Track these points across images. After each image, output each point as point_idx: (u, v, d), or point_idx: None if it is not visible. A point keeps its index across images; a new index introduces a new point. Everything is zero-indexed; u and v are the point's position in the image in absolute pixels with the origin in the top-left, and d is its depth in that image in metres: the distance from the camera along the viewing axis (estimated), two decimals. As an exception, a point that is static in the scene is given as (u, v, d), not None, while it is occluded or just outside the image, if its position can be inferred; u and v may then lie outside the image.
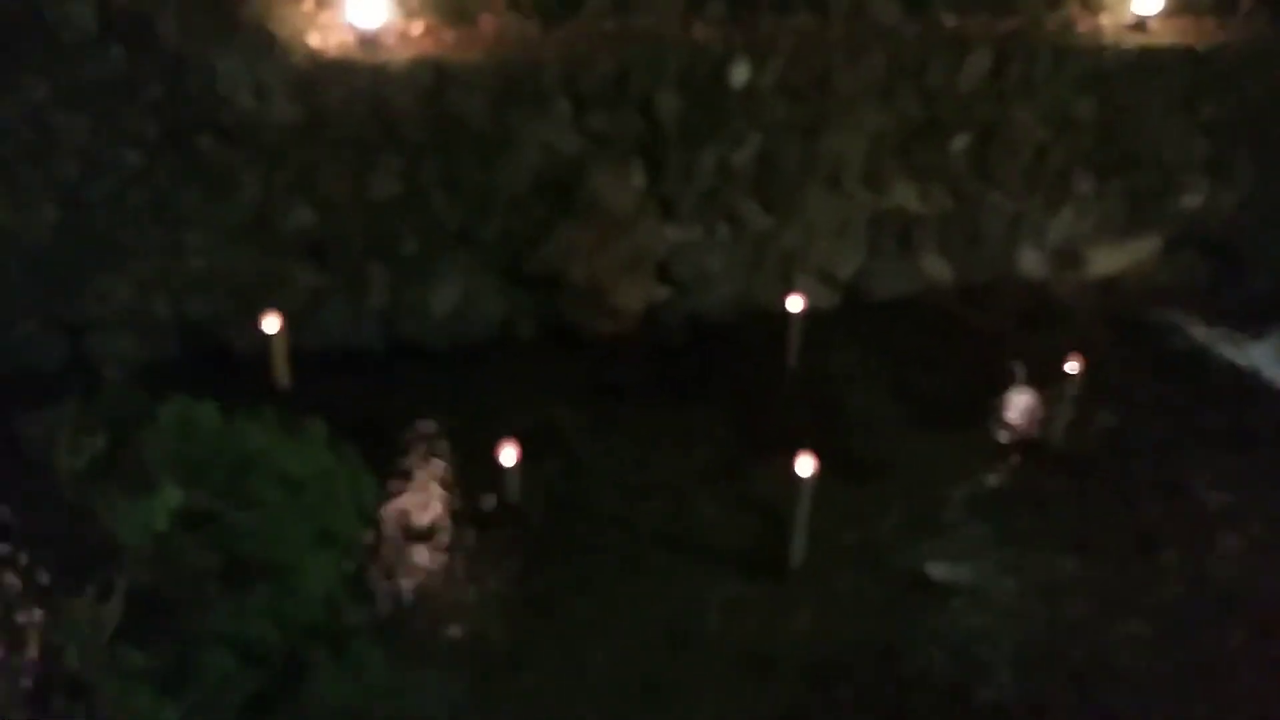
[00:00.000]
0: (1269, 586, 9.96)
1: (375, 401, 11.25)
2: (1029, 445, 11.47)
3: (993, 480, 11.01)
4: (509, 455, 9.97)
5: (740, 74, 11.98)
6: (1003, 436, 11.55)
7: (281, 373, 11.14)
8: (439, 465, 10.63)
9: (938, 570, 9.76)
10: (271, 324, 10.88)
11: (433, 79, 11.19)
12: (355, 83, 11.03)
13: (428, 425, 11.04)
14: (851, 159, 12.74)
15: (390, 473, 10.46)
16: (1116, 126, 13.37)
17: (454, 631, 9.13)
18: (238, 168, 11.06)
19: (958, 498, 10.72)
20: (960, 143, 13.08)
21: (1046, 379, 11.80)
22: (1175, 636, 9.49)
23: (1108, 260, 13.89)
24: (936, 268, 13.48)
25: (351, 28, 11.10)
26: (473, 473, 10.41)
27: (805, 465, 9.24)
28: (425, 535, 9.94)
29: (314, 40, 11.07)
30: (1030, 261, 13.78)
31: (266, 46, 10.81)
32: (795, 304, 11.77)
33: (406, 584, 9.47)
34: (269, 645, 6.88)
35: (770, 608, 9.52)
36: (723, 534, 10.15)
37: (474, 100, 11.32)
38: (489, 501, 10.23)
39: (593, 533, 10.12)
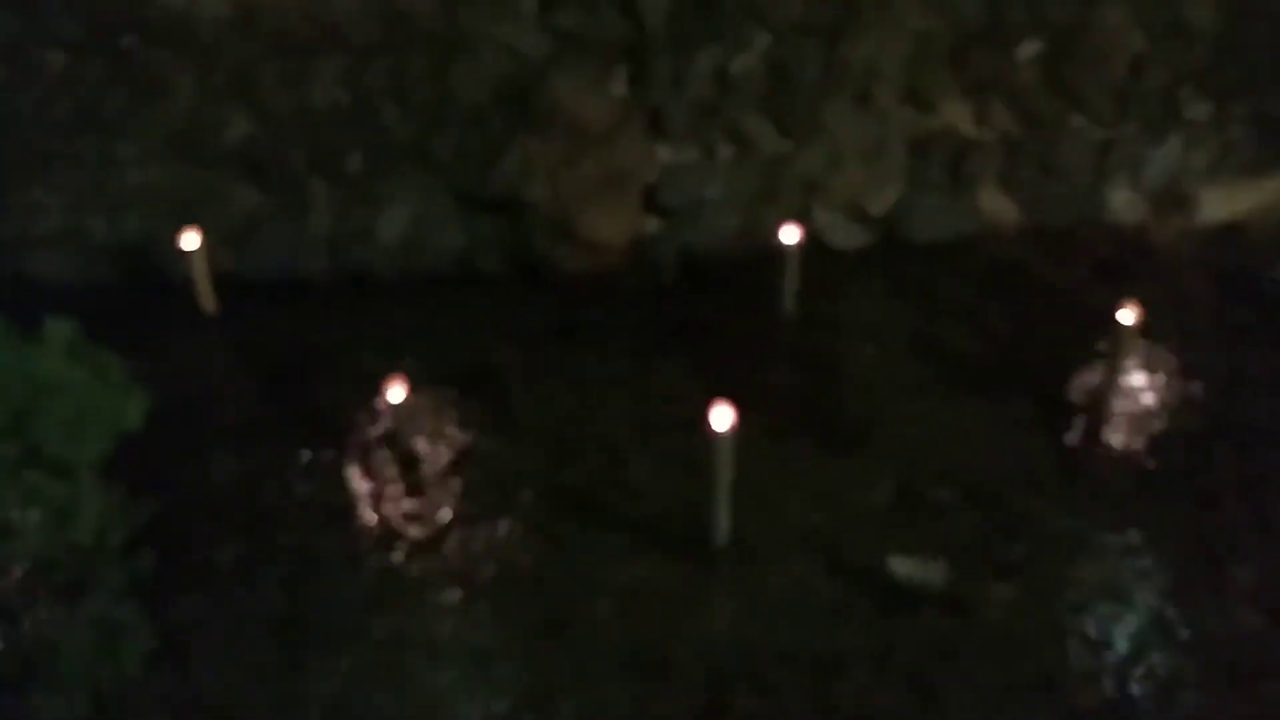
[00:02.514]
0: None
1: (307, 334, 9.68)
2: (1081, 426, 8.63)
3: (1015, 463, 8.28)
4: (397, 393, 8.13)
5: (743, -38, 9.65)
6: (1047, 412, 8.75)
7: (206, 297, 9.72)
8: (344, 403, 8.89)
9: (902, 567, 7.24)
10: (190, 241, 9.45)
11: (376, -31, 9.48)
12: (289, -27, 9.45)
13: (354, 362, 9.33)
14: (887, 68, 10.15)
15: (292, 409, 8.87)
16: (1241, 35, 10.16)
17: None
18: (167, 70, 9.71)
19: (960, 481, 8.10)
20: (1030, 50, 10.24)
21: (1126, 345, 8.89)
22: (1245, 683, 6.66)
23: (1225, 204, 10.62)
24: (997, 205, 10.65)
25: (286, -89, 9.54)
26: (369, 415, 8.65)
27: (722, 417, 6.94)
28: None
29: (246, -73, 9.56)
30: (1121, 202, 10.69)
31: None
32: (790, 236, 9.34)
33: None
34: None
35: (679, 597, 7.30)
36: (650, 504, 7.99)
37: (423, -6, 9.53)
38: (374, 447, 8.43)
39: (492, 492, 8.16)
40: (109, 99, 9.77)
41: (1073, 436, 8.50)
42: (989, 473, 8.17)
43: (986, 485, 8.04)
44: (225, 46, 9.67)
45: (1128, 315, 8.16)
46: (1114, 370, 8.60)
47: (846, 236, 10.45)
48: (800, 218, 9.84)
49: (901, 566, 7.21)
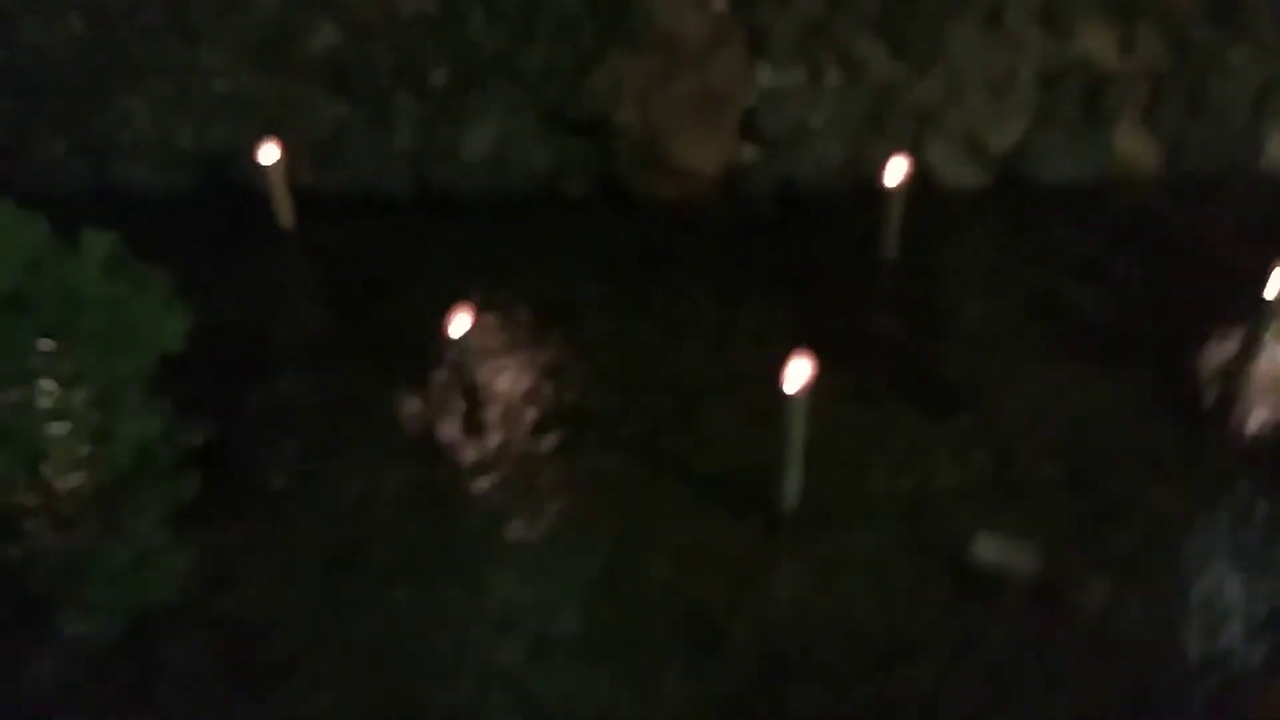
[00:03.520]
0: None
1: (384, 253, 9.25)
2: (1211, 403, 7.58)
3: (1132, 441, 7.32)
4: (463, 320, 7.63)
5: None
6: (1173, 386, 7.71)
7: (283, 211, 9.36)
8: (414, 327, 8.42)
9: (989, 548, 6.44)
10: (269, 154, 9.06)
11: None
12: None
13: (429, 284, 8.84)
14: (1021, -12, 8.97)
15: (362, 330, 8.49)
16: None
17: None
18: (252, -26, 9.23)
19: (1067, 456, 7.19)
20: (1189, -30, 8.90)
21: (1271, 314, 7.74)
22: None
23: None
24: (1137, 147, 9.42)
25: None
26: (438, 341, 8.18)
27: (798, 372, 6.21)
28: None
29: None
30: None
31: None
32: (896, 172, 8.39)
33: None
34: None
35: (740, 563, 6.68)
36: (719, 458, 7.33)
37: (515, -105, 8.76)
38: (440, 376, 7.98)
39: (556, 431, 7.63)
40: (197, 4, 9.37)
41: (1200, 415, 7.45)
42: (1101, 449, 7.23)
43: (1096, 463, 7.12)
44: (310, -51, 9.12)
45: (1277, 280, 7.02)
46: (1254, 342, 7.48)
47: (961, 174, 9.42)
48: (911, 152, 8.86)
49: (988, 547, 6.41)
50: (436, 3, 9.25)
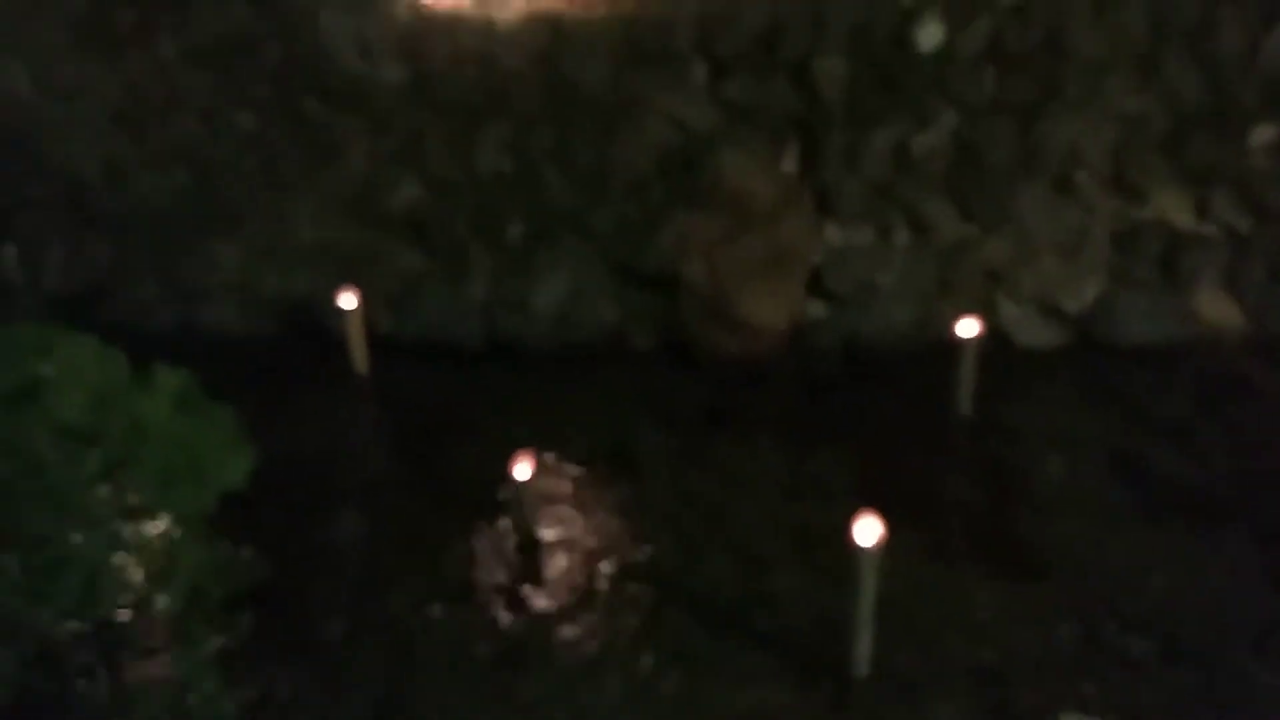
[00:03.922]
0: None
1: (452, 400, 9.29)
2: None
3: (1230, 613, 6.79)
4: (524, 469, 7.53)
5: (932, 35, 8.83)
6: (1272, 553, 7.20)
7: (358, 356, 9.51)
8: (476, 474, 8.32)
9: (1077, 728, 5.92)
10: (348, 301, 9.29)
11: (548, 38, 9.21)
12: (463, 41, 9.32)
13: (493, 432, 8.79)
14: (1090, 153, 9.00)
15: (423, 475, 8.44)
16: None
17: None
18: (343, 133, 9.72)
19: (1159, 629, 6.69)
20: (1264, 136, 8.86)
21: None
22: None
23: None
24: (1218, 309, 9.18)
25: (468, -19, 9.45)
26: (499, 489, 8.05)
27: (868, 530, 5.93)
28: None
29: (427, -5, 9.53)
30: (1373, 311, 9.03)
31: (372, 1, 9.40)
32: (968, 329, 8.25)
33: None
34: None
35: (807, 733, 6.23)
36: (787, 621, 6.96)
37: (592, 63, 9.17)
38: (499, 524, 7.82)
39: (614, 588, 7.36)
40: (289, 159, 9.86)
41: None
42: (1196, 622, 6.71)
43: (1191, 637, 6.59)
44: (398, 112, 9.59)
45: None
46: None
47: (1037, 334, 9.24)
48: (983, 311, 8.75)
49: (1076, 727, 5.90)
50: (513, 161, 9.59)
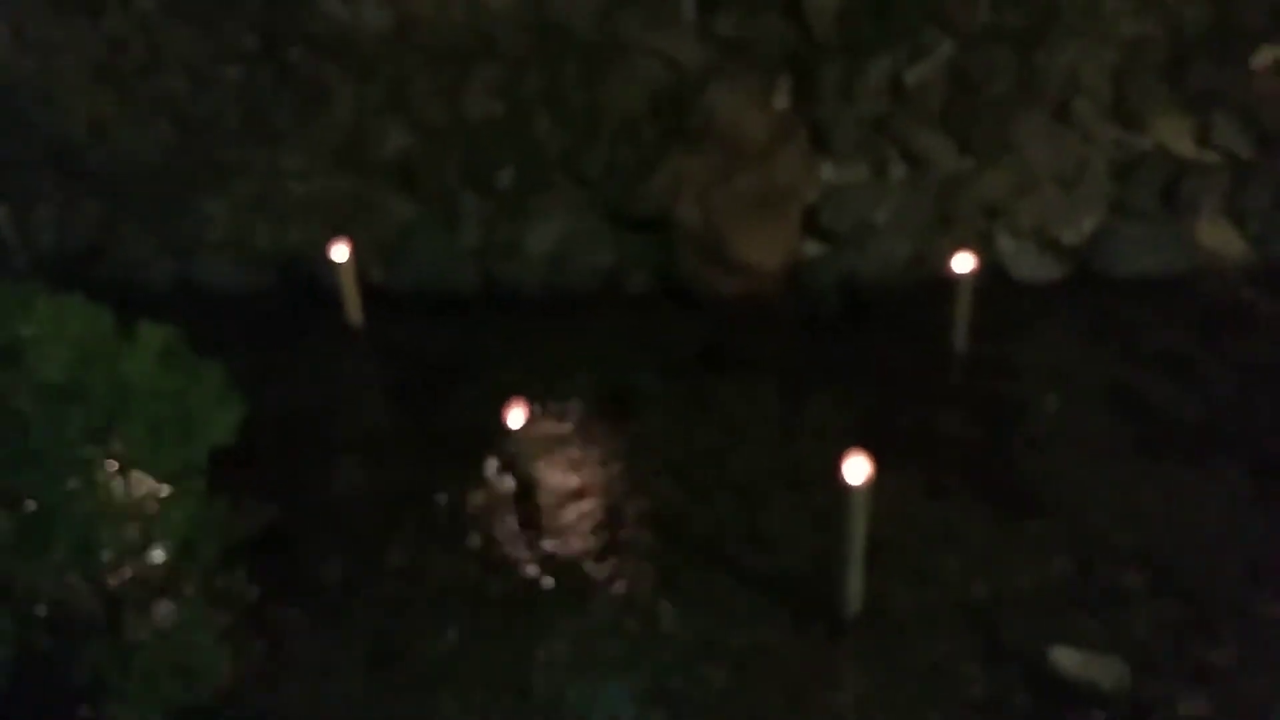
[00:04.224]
0: None
1: (448, 349, 9.27)
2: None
3: (1226, 546, 6.75)
4: (519, 416, 7.52)
5: (925, -38, 8.58)
6: (1269, 486, 7.13)
7: (353, 308, 9.48)
8: (474, 422, 8.32)
9: (1069, 660, 5.93)
10: (340, 253, 9.23)
11: (533, -23, 9.01)
12: (447, -17, 9.12)
13: (491, 379, 8.78)
14: (1091, 80, 8.79)
15: (421, 425, 8.44)
16: None
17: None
18: (330, 82, 9.58)
19: (1154, 562, 6.67)
20: (1268, 57, 8.62)
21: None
22: None
23: None
24: (1221, 238, 9.02)
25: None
26: (497, 436, 8.05)
27: (857, 468, 5.90)
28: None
29: (408, -63, 9.31)
30: (1380, 237, 8.86)
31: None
32: (963, 264, 8.14)
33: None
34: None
35: (801, 672, 6.27)
36: (781, 560, 6.97)
37: (580, 3, 8.98)
38: (497, 470, 7.84)
39: (611, 529, 7.38)
40: (275, 111, 9.74)
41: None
42: (1191, 555, 6.69)
43: (1187, 570, 6.58)
44: (384, 58, 9.43)
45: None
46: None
47: (1034, 268, 9.12)
48: (981, 246, 8.64)
49: (1069, 659, 5.91)
50: (503, 106, 9.45)
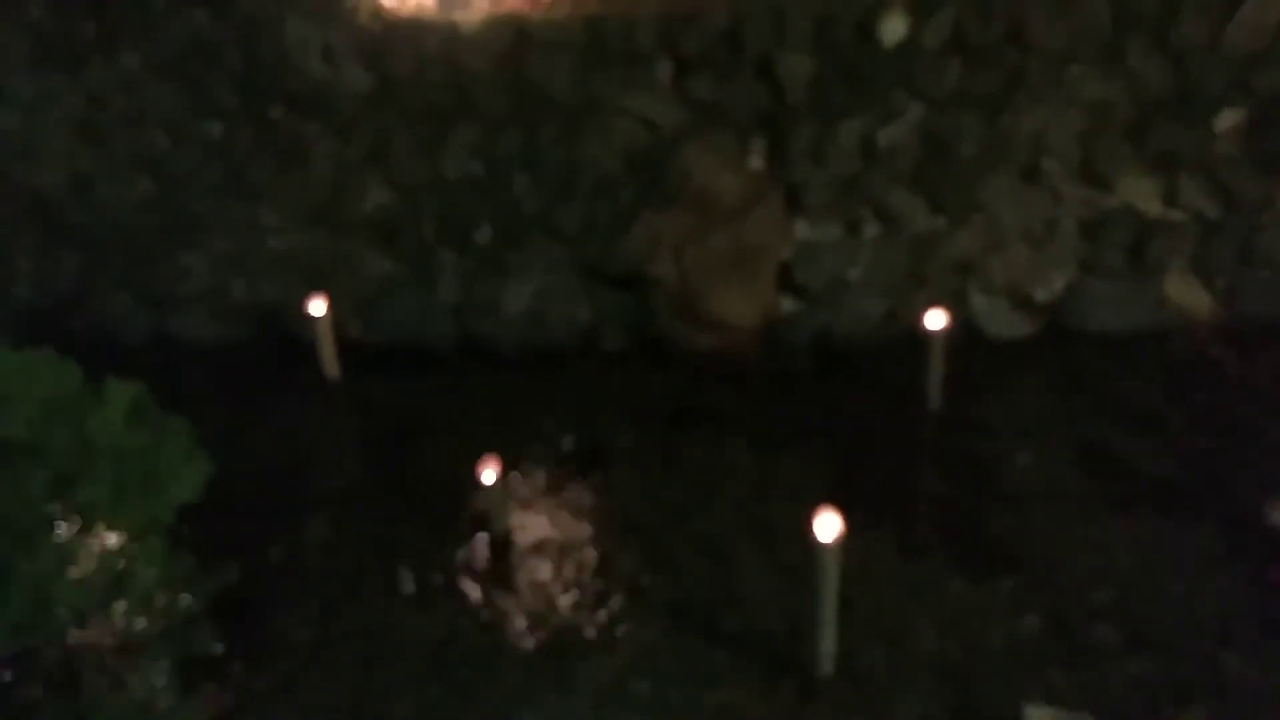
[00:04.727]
0: None
1: (423, 404, 9.25)
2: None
3: (1198, 603, 6.75)
4: (491, 473, 7.50)
5: (895, 28, 8.78)
6: (1241, 543, 7.15)
7: (329, 362, 9.47)
8: (447, 478, 8.27)
9: (1041, 717, 5.89)
10: (317, 308, 9.24)
11: (512, 40, 9.16)
12: (427, 45, 9.26)
13: (465, 435, 8.74)
14: (1058, 141, 8.96)
15: (394, 480, 8.39)
16: None
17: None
18: (310, 140, 9.66)
19: (1127, 619, 6.66)
20: (1229, 120, 8.82)
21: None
22: None
23: None
24: (1188, 294, 9.15)
25: (430, -15, 9.39)
26: (466, 493, 8.01)
27: (828, 525, 5.89)
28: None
29: (389, 0, 9.46)
30: (1344, 295, 8.99)
31: (335, 7, 9.34)
32: (936, 321, 8.21)
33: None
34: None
35: (773, 731, 6.20)
36: (753, 619, 6.93)
37: (557, 64, 9.12)
38: (469, 527, 7.79)
39: (581, 588, 7.33)
40: (255, 167, 9.81)
41: (1274, 574, 6.88)
42: (1163, 612, 6.68)
43: (1159, 627, 6.57)
44: (364, 117, 9.54)
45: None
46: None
47: (1006, 325, 9.21)
48: (954, 303, 8.73)
49: (1041, 716, 5.87)
50: (482, 164, 9.54)
